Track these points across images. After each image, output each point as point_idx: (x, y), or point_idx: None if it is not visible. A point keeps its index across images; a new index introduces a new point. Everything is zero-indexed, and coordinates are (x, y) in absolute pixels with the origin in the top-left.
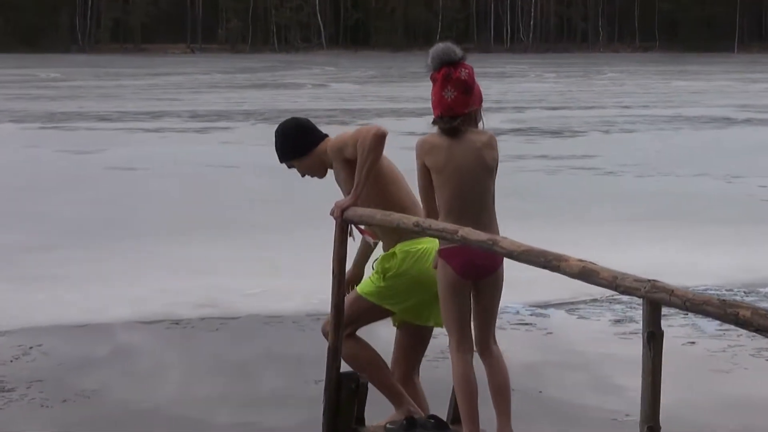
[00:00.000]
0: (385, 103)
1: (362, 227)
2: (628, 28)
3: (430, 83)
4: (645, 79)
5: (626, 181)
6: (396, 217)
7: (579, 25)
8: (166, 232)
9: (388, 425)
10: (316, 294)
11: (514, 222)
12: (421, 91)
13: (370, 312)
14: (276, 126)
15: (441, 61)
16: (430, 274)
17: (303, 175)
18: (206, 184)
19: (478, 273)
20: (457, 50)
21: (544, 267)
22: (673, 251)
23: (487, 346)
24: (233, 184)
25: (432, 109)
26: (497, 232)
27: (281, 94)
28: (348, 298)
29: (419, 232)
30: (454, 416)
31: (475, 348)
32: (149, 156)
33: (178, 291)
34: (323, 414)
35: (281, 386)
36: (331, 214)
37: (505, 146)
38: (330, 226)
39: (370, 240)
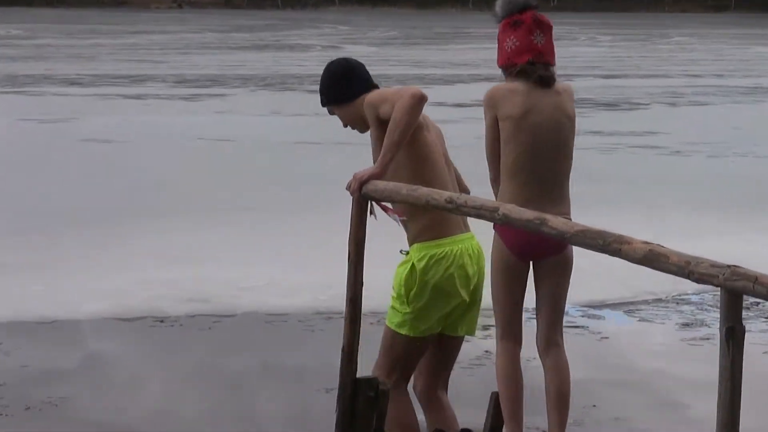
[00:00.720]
0: (408, 68)
1: (387, 204)
2: None
3: (462, 46)
4: (718, 44)
5: (696, 162)
6: (424, 192)
7: None
8: (148, 216)
9: None
10: (327, 288)
11: None
12: (450, 55)
13: (412, 346)
14: (322, 69)
15: (526, 3)
16: (453, 281)
17: (345, 125)
18: (196, 160)
19: (537, 252)
20: None
21: (603, 250)
22: (752, 243)
23: (549, 343)
24: (228, 161)
25: (507, 58)
26: (569, 210)
27: (285, 57)
28: (383, 338)
29: (452, 209)
30: (492, 427)
31: (536, 344)
32: (129, 127)
33: (163, 283)
34: (336, 426)
35: (284, 399)
36: (348, 188)
37: None
38: (345, 210)
39: (397, 218)
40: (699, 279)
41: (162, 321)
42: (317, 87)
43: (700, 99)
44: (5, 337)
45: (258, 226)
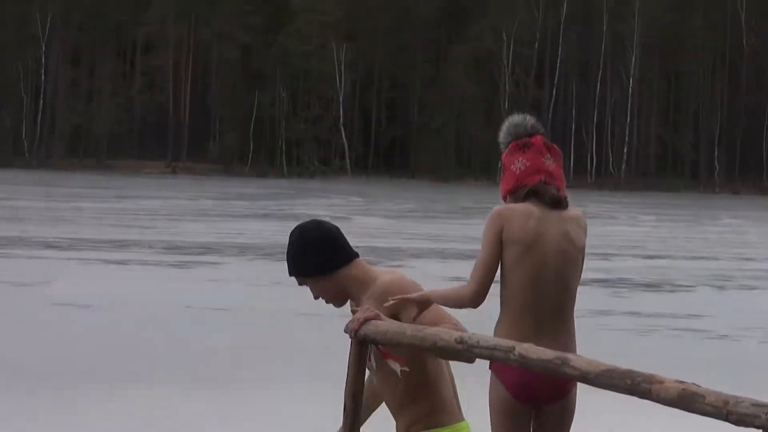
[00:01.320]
0: (424, 242)
1: (385, 350)
2: (754, 162)
3: (482, 219)
4: None
5: (747, 346)
6: (431, 332)
7: (688, 156)
8: (116, 383)
9: None
10: None
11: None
12: (472, 230)
13: None
14: (291, 232)
15: (533, 129)
16: None
17: (316, 298)
18: (182, 329)
19: (540, 396)
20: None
21: (631, 392)
22: None
23: None
24: (218, 330)
25: (516, 179)
26: (574, 341)
27: (289, 227)
28: None
29: (462, 351)
30: None
31: None
32: (109, 294)
33: None
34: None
35: None
36: (346, 330)
37: (583, 299)
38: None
39: (397, 368)
40: (739, 420)
41: None
42: None
43: (752, 283)
44: None
45: (246, 397)
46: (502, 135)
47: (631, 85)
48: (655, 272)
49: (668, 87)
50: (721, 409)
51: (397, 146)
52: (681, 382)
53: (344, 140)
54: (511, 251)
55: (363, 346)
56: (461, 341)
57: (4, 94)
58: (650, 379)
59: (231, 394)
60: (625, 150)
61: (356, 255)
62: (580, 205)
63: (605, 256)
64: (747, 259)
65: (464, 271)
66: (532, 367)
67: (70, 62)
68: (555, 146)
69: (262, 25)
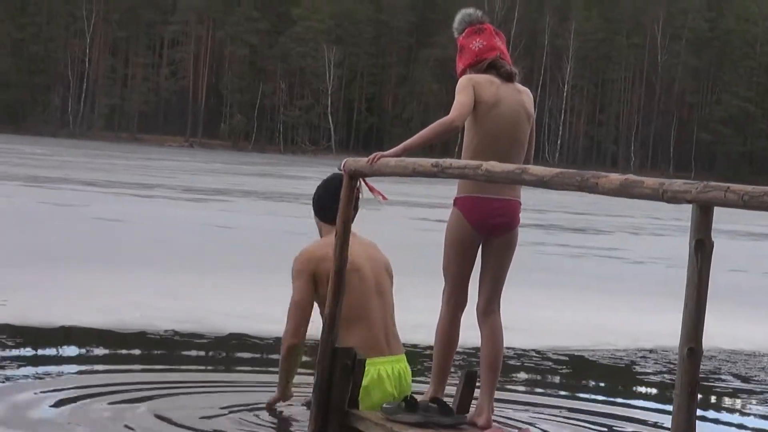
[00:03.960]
0: (396, 196)
1: (373, 186)
2: (663, 154)
3: (441, 181)
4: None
5: (657, 268)
6: (410, 161)
7: (610, 149)
8: (151, 264)
9: (385, 404)
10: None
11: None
12: (437, 190)
13: None
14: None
15: (483, 18)
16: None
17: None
18: (200, 237)
19: (493, 230)
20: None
21: (581, 188)
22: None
23: (489, 310)
24: (226, 238)
25: (476, 55)
26: (520, 195)
27: (284, 182)
28: None
29: (438, 173)
30: (462, 403)
31: (476, 311)
32: (139, 213)
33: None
34: (312, 391)
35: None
36: (340, 168)
37: (520, 236)
38: None
39: (380, 200)
40: (672, 198)
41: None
42: (309, 201)
43: (660, 232)
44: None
45: (254, 277)
46: (457, 23)
47: (566, 90)
48: (581, 222)
49: (596, 92)
50: (657, 190)
51: (373, 132)
52: (623, 174)
53: (331, 125)
54: (480, 108)
55: (353, 179)
56: (436, 165)
57: (55, 77)
58: (596, 176)
59: (237, 277)
60: (558, 142)
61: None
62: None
63: (540, 211)
64: (656, 218)
65: (428, 214)
66: (497, 179)
67: (109, 53)
68: (501, 32)
69: (266, 29)
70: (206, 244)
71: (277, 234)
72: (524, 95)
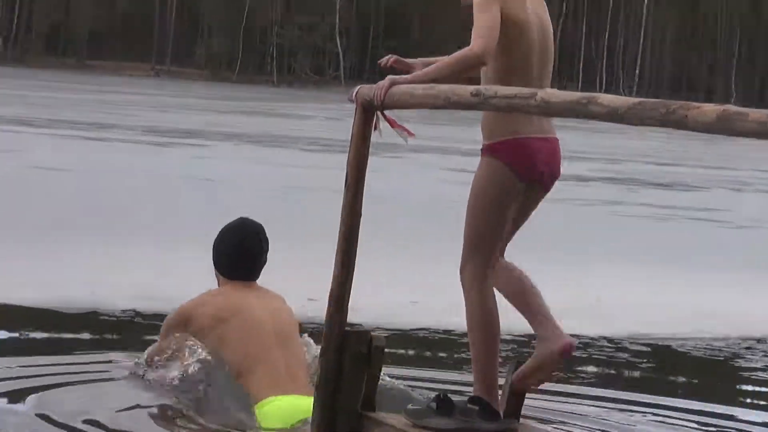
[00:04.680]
0: (426, 141)
1: (395, 120)
2: None
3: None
4: None
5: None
6: (444, 89)
7: (703, 81)
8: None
9: (410, 405)
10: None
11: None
12: (474, 134)
13: None
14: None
15: None
16: None
17: None
18: (166, 192)
19: (539, 180)
20: None
21: (665, 123)
22: None
23: (497, 259)
24: (203, 195)
25: None
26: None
27: (278, 122)
28: None
29: (479, 104)
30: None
31: None
32: (90, 161)
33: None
34: (315, 389)
35: None
36: (350, 98)
37: (592, 192)
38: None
39: (405, 136)
40: None
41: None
42: (312, 147)
43: None
44: None
45: None
46: None
47: (645, 1)
48: (667, 175)
49: (687, 5)
50: (764, 125)
51: None
52: (720, 104)
53: (339, 50)
54: (510, 30)
55: (367, 112)
56: (477, 93)
57: None
58: (686, 106)
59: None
60: (637, 71)
61: (240, 277)
62: (590, 123)
63: (613, 160)
64: (766, 171)
65: (466, 164)
66: (554, 111)
67: None
68: None
69: None
70: (177, 201)
71: (269, 189)
72: (544, 5)
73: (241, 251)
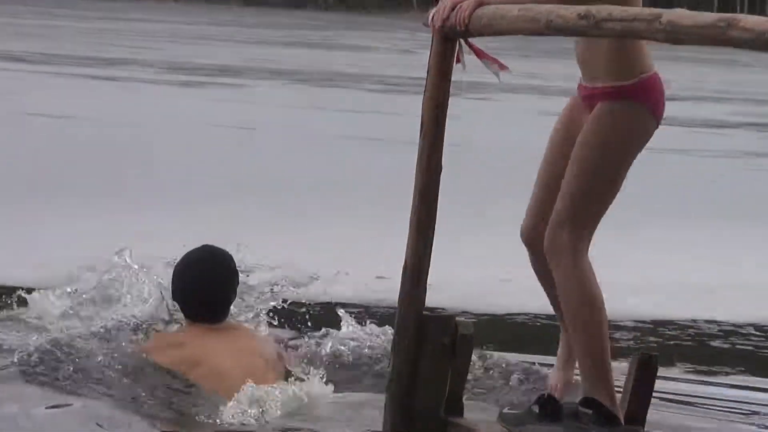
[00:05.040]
0: (522, 78)
1: (482, 50)
2: None
3: None
4: None
5: None
6: (544, 9)
7: None
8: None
9: (506, 409)
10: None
11: None
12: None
13: None
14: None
15: None
16: None
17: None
18: (193, 144)
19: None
20: None
21: None
22: None
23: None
24: (242, 148)
25: None
26: None
27: (333, 56)
28: None
29: (587, 28)
30: (636, 393)
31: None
32: (100, 107)
33: None
34: (386, 388)
35: None
36: (425, 23)
37: (729, 141)
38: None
39: (495, 70)
40: None
41: None
42: (378, 87)
43: None
44: None
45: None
46: None
47: None
48: None
49: None
50: None
51: None
52: None
53: None
54: None
55: (448, 42)
56: (586, 16)
57: None
58: None
59: (259, 208)
60: None
61: (207, 317)
62: (732, 53)
63: (756, 101)
64: None
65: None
66: (684, 38)
67: None
68: None
69: None
70: (207, 156)
71: (323, 140)
72: None
73: (210, 291)
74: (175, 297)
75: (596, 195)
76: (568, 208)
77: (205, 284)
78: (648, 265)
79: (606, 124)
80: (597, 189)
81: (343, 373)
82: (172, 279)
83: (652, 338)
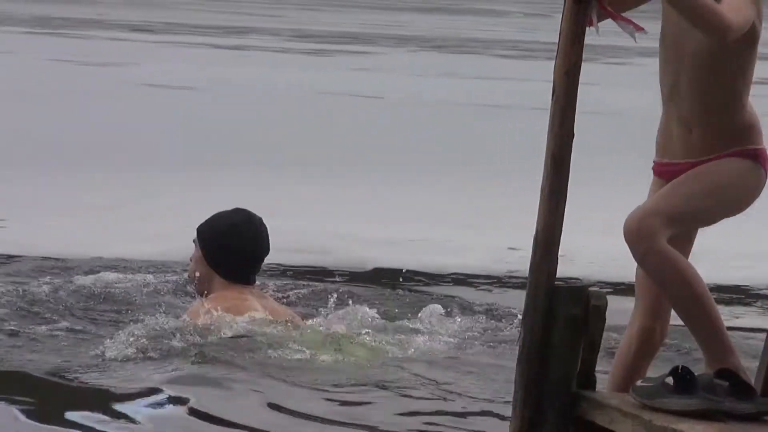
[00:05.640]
0: (653, 39)
1: (612, 10)
2: None
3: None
4: None
5: None
6: None
7: None
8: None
9: (639, 382)
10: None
11: None
12: None
13: None
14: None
15: None
16: None
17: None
18: (321, 116)
19: None
20: None
21: None
22: None
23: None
24: (375, 119)
25: None
26: None
27: (464, 21)
28: None
29: None
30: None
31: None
32: (221, 77)
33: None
34: (517, 362)
35: None
36: None
37: None
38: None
39: (632, 31)
40: None
41: None
42: (511, 53)
43: None
44: None
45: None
46: None
47: None
48: None
49: None
50: None
51: None
52: None
53: None
54: (751, 37)
55: (581, 3)
56: None
57: None
58: None
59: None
60: None
61: (242, 280)
62: None
63: None
64: None
65: None
66: None
67: None
68: None
69: None
70: (334, 127)
71: (454, 107)
72: None
73: (251, 253)
74: (217, 258)
75: (687, 216)
76: (654, 209)
77: (255, 244)
78: None
79: (728, 170)
80: (691, 213)
81: None
82: (211, 237)
83: None
